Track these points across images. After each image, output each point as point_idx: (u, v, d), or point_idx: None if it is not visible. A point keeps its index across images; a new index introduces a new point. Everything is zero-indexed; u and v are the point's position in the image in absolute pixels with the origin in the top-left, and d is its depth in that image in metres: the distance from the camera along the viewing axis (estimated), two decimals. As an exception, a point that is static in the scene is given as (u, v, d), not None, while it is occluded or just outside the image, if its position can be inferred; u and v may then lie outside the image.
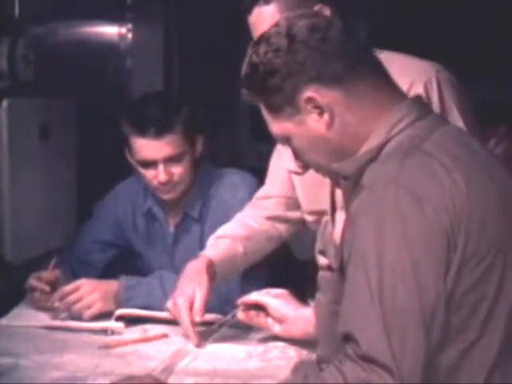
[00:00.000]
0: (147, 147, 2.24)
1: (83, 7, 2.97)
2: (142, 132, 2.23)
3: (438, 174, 1.32)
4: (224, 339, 1.98)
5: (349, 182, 1.43)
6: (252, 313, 1.96)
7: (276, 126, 1.48)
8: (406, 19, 3.79)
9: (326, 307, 1.48)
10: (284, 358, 1.87)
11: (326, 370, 1.31)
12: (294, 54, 1.41)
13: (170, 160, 2.26)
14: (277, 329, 1.94)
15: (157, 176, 2.27)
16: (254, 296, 1.96)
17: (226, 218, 2.30)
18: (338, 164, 1.44)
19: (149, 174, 2.28)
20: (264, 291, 1.98)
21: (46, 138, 2.55)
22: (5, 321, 2.15)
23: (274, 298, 1.94)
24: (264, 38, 1.46)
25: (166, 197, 2.34)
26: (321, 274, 1.61)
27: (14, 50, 2.42)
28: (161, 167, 2.26)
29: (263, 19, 1.85)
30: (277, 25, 1.46)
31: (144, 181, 2.35)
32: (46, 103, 2.59)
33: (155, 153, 2.24)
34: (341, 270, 1.39)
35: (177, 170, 2.28)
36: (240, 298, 1.99)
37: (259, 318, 1.96)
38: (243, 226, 2.20)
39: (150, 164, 2.27)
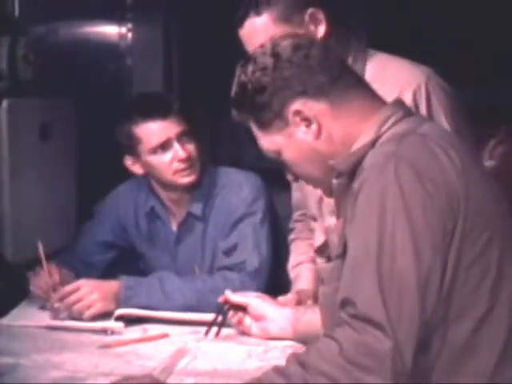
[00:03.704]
0: (159, 129, 2.29)
1: (83, 7, 2.98)
2: (151, 115, 2.29)
3: (434, 150, 1.39)
4: (224, 339, 1.97)
5: (342, 181, 1.49)
6: (240, 315, 1.98)
7: (266, 142, 1.56)
8: (406, 19, 3.79)
9: (330, 298, 1.51)
10: (283, 358, 1.84)
11: (319, 342, 1.35)
12: (279, 71, 1.50)
13: (182, 135, 2.30)
14: (254, 329, 1.96)
15: (175, 155, 2.29)
16: (236, 297, 1.97)
17: (229, 217, 2.31)
18: (333, 161, 1.50)
19: (167, 157, 2.30)
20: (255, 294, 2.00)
21: (46, 138, 2.55)
22: (5, 320, 2.15)
23: (255, 298, 1.98)
24: (251, 58, 1.55)
25: (188, 180, 2.32)
26: (322, 267, 1.65)
27: (14, 50, 2.43)
28: (176, 145, 2.29)
29: (256, 30, 1.85)
30: (262, 46, 1.55)
31: (157, 177, 2.35)
32: (46, 103, 2.58)
33: (168, 131, 2.29)
34: (343, 256, 1.43)
35: (190, 147, 2.32)
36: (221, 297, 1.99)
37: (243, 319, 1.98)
38: None
39: (165, 146, 2.29)
